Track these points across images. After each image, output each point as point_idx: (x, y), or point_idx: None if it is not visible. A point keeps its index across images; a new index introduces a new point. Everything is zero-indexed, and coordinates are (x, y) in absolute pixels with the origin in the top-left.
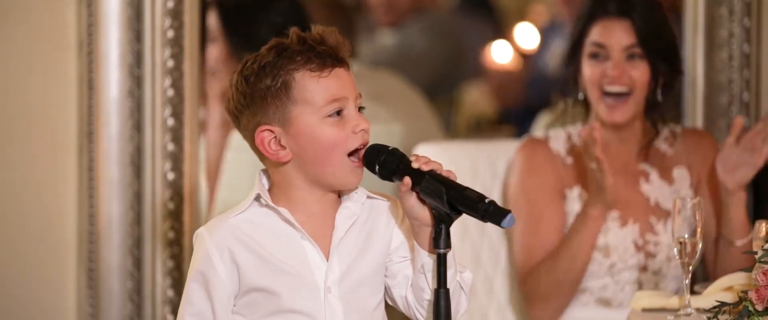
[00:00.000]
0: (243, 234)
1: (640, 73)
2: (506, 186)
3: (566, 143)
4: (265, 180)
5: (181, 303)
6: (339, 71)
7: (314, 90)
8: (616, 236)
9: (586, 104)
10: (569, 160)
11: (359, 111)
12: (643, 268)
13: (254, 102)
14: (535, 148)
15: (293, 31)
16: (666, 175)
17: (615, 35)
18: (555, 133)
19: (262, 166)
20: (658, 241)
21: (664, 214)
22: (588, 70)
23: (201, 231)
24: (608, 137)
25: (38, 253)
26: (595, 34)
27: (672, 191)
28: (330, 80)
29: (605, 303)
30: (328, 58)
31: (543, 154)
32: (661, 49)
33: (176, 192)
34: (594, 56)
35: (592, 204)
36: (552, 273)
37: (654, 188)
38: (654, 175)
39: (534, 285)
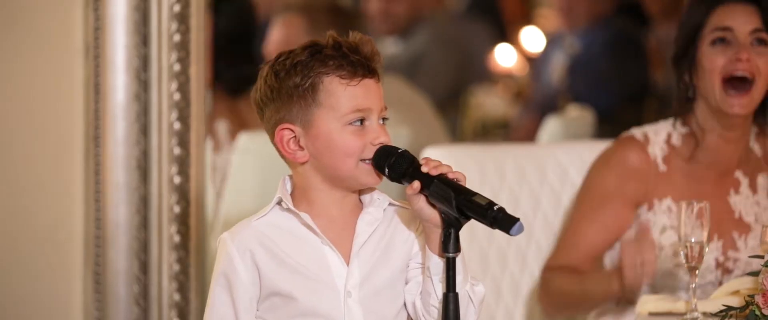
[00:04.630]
0: (265, 237)
1: (764, 59)
2: (585, 177)
3: (665, 145)
4: (288, 184)
5: (206, 308)
6: (368, 82)
7: (340, 96)
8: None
9: (690, 101)
10: (663, 168)
11: (383, 123)
12: (719, 284)
13: (280, 98)
14: (630, 150)
15: (330, 34)
16: (753, 183)
17: (740, 18)
18: (655, 132)
19: (269, 170)
20: (738, 257)
21: (746, 229)
22: (710, 58)
23: (224, 235)
24: (715, 140)
25: (45, 257)
26: (718, 19)
27: (754, 201)
28: (357, 89)
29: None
30: (360, 68)
31: (637, 158)
32: None
33: (182, 196)
34: (719, 42)
35: (618, 289)
36: (556, 304)
37: (741, 199)
38: (744, 185)
39: (546, 284)
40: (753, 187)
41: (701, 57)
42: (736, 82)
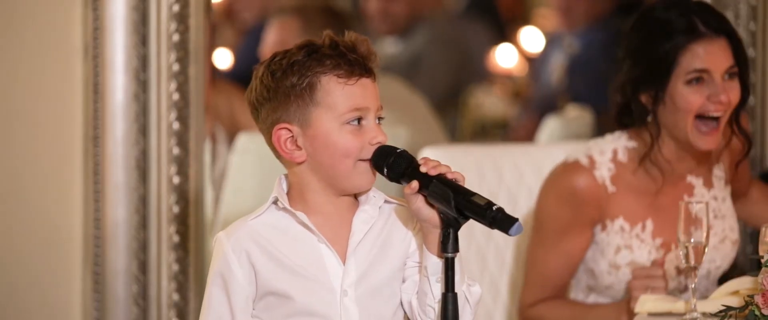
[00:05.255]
0: (260, 237)
1: (735, 93)
2: (538, 204)
3: (612, 164)
4: (284, 184)
5: (202, 308)
6: (365, 81)
7: (338, 95)
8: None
9: (653, 127)
10: (612, 189)
11: (379, 122)
12: (683, 288)
13: (277, 97)
14: (577, 178)
15: (326, 34)
16: (707, 180)
17: (716, 59)
18: (600, 151)
19: (268, 170)
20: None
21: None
22: (686, 98)
23: (220, 234)
24: (669, 158)
25: (44, 257)
26: (694, 59)
27: (710, 197)
28: (355, 88)
29: None
30: (357, 67)
31: (585, 185)
32: (747, 65)
33: (181, 196)
34: (695, 81)
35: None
36: None
37: (695, 200)
38: (698, 186)
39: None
40: (707, 183)
41: (674, 93)
42: (707, 119)
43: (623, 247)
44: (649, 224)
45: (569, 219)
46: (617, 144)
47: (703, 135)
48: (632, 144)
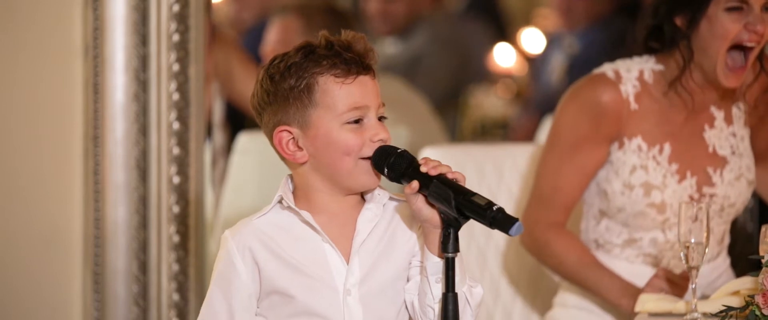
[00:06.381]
0: (265, 235)
1: None
2: (556, 116)
3: (637, 82)
4: (290, 183)
5: (203, 305)
6: (363, 79)
7: (336, 95)
8: (674, 193)
9: (686, 51)
10: (635, 107)
11: (381, 120)
12: (694, 220)
13: (276, 100)
14: (603, 90)
15: (322, 34)
16: (728, 115)
17: None
18: (627, 68)
19: (268, 170)
20: (714, 193)
21: (721, 162)
22: (724, 25)
23: (225, 233)
24: (694, 85)
25: (44, 257)
26: None
27: (729, 133)
28: (353, 87)
29: (653, 260)
30: (354, 65)
31: (609, 97)
32: None
33: (182, 196)
34: (734, 9)
35: (628, 305)
36: (553, 267)
37: (715, 133)
38: (719, 119)
39: (545, 246)
40: (728, 119)
41: (712, 18)
42: (738, 52)
43: (639, 167)
44: (667, 147)
45: (587, 132)
46: (644, 65)
47: (730, 71)
48: (659, 67)
